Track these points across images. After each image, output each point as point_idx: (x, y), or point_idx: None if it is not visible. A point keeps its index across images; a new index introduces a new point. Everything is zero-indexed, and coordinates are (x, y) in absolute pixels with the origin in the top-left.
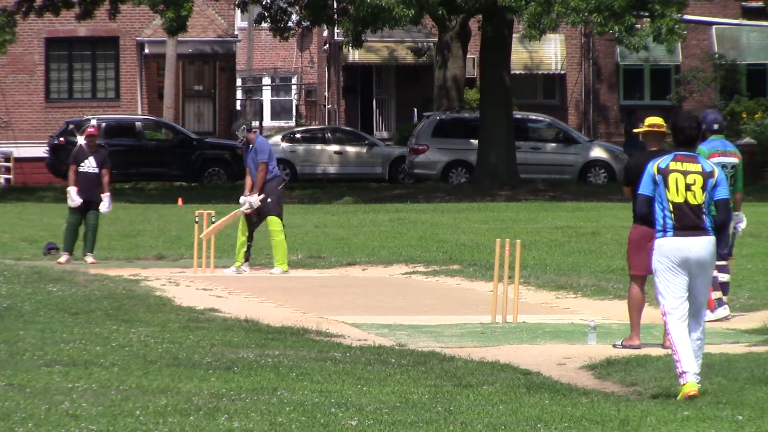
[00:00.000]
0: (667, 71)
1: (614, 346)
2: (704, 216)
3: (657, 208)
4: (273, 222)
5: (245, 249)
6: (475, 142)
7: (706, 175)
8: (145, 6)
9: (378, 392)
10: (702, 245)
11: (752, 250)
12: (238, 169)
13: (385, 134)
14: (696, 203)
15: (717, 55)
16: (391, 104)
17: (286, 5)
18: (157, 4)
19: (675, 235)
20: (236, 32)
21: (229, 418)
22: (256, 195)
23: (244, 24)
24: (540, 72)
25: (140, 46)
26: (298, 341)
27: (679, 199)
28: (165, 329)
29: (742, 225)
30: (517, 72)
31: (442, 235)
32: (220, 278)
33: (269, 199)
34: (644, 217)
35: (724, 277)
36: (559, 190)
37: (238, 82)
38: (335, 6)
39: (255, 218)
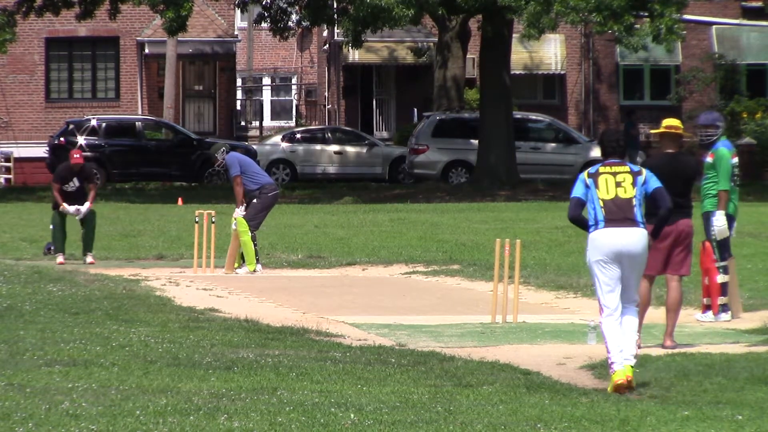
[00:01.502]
0: (667, 71)
1: None
2: (635, 209)
3: (589, 208)
4: (240, 222)
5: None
6: (475, 142)
7: (635, 174)
8: (145, 6)
9: (378, 392)
10: (634, 237)
11: (752, 250)
12: None
13: (385, 134)
14: (627, 197)
15: (717, 55)
16: (391, 104)
17: (286, 5)
18: (157, 4)
19: (606, 226)
20: (236, 32)
21: (229, 418)
22: (241, 208)
23: (244, 24)
24: (540, 72)
25: (140, 46)
26: (298, 341)
27: (609, 196)
28: (165, 329)
29: (734, 225)
30: (517, 72)
31: (442, 235)
32: (220, 278)
33: (254, 201)
34: (575, 218)
35: (726, 278)
36: (559, 190)
37: (238, 82)
38: (335, 6)
39: None
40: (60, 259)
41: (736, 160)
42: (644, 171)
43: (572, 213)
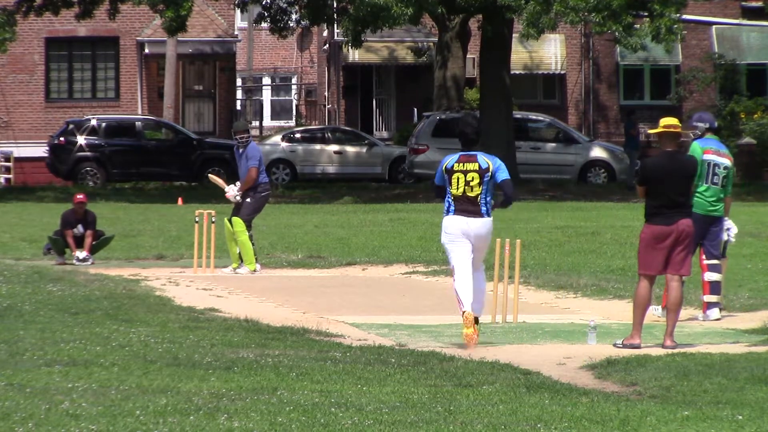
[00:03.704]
0: (667, 71)
1: (614, 345)
2: (480, 203)
3: (446, 196)
4: (236, 223)
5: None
6: None
7: (482, 172)
8: (145, 6)
9: (378, 392)
10: (479, 224)
11: (752, 250)
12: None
13: (385, 134)
14: (473, 195)
15: (717, 55)
16: (391, 104)
17: (285, 5)
18: (156, 3)
19: (456, 214)
20: (236, 32)
21: (229, 418)
22: (236, 189)
23: (244, 24)
24: (540, 72)
25: (140, 46)
26: (298, 341)
27: (459, 193)
28: (165, 329)
29: (734, 231)
30: (517, 72)
31: None
32: (220, 278)
33: (248, 200)
34: (436, 189)
35: (714, 276)
36: (559, 190)
37: (238, 82)
38: (335, 5)
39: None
40: (59, 259)
41: (722, 160)
42: (491, 166)
43: (435, 190)
